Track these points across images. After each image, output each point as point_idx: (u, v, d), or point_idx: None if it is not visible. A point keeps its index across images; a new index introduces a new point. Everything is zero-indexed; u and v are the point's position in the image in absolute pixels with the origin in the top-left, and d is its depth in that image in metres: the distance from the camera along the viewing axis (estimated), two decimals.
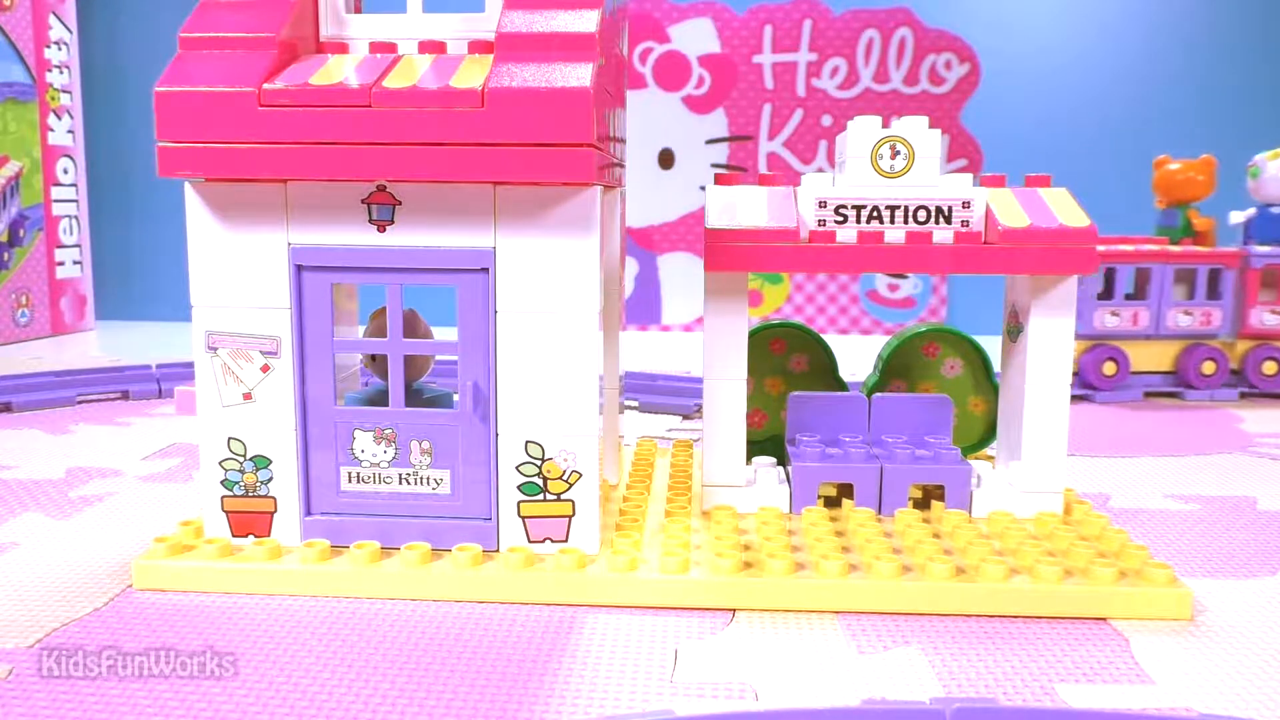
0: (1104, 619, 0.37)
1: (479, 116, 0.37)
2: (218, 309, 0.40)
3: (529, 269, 0.39)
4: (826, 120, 1.32)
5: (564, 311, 0.39)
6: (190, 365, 0.59)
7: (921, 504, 0.46)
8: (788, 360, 0.53)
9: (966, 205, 0.43)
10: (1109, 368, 0.83)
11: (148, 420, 0.73)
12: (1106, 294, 0.84)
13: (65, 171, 1.26)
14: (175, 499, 0.53)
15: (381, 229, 0.40)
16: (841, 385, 0.53)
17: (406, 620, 0.37)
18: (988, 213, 0.44)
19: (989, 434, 0.53)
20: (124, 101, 1.39)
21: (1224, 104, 1.31)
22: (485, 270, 0.39)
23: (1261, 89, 1.30)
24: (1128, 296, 0.85)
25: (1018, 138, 1.32)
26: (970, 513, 0.45)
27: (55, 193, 1.25)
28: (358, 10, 0.45)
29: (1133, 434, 0.71)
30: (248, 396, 0.41)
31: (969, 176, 0.44)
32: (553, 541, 0.40)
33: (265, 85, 0.38)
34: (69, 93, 1.26)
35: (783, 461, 0.50)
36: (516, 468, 0.40)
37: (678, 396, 0.80)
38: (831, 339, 0.87)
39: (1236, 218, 0.89)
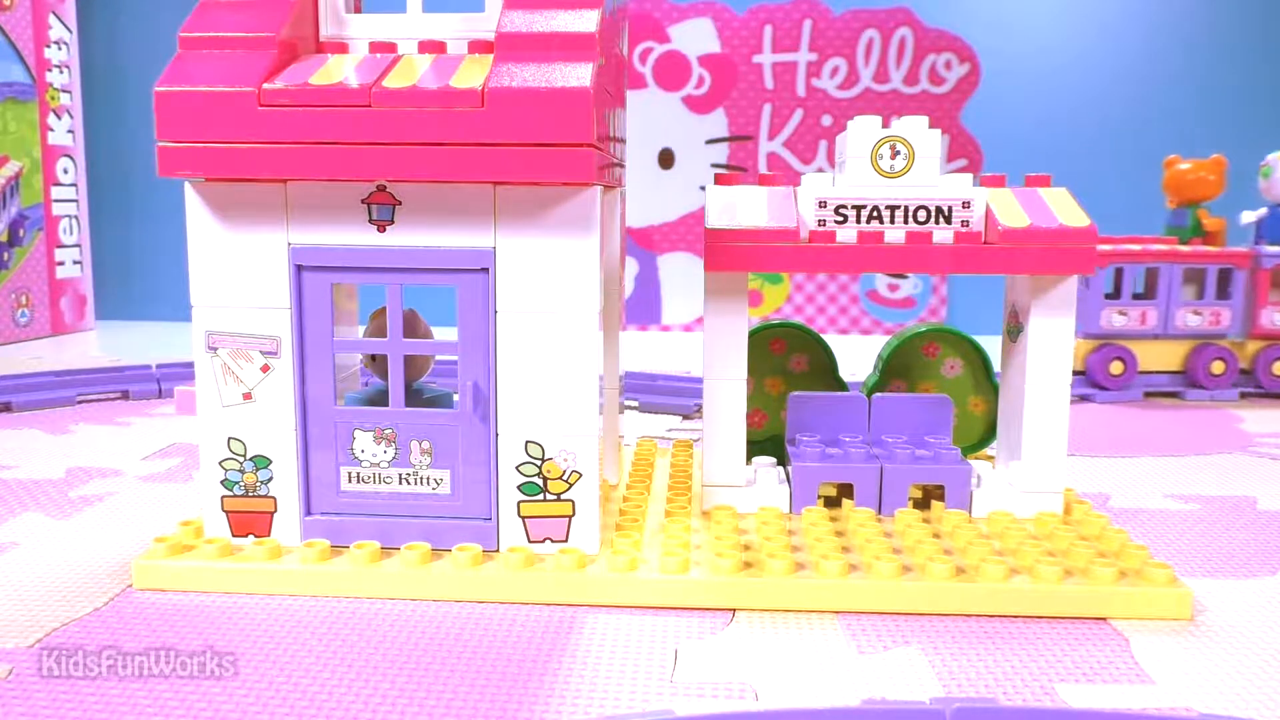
0: (1104, 619, 0.37)
1: (479, 116, 0.37)
2: (218, 309, 0.40)
3: (529, 269, 0.39)
4: (826, 120, 1.32)
5: (564, 311, 0.39)
6: (190, 365, 0.59)
7: (921, 504, 0.46)
8: (788, 360, 0.53)
9: (966, 205, 0.43)
10: (1116, 367, 0.83)
11: (148, 420, 0.73)
12: (1114, 293, 0.84)
13: (65, 171, 1.26)
14: (175, 499, 0.53)
15: (381, 229, 0.40)
16: (841, 385, 0.53)
17: (406, 620, 0.37)
18: (988, 213, 0.44)
19: (989, 434, 0.53)
20: (124, 101, 1.39)
21: (1224, 104, 1.31)
22: (485, 270, 0.39)
23: (1261, 89, 1.30)
24: (1136, 296, 0.85)
25: (1018, 138, 1.32)
26: (970, 513, 0.45)
27: (55, 193, 1.25)
28: (358, 10, 0.45)
29: (1133, 434, 0.71)
30: (248, 396, 0.41)
31: (969, 176, 0.44)
32: (553, 541, 0.40)
33: (265, 85, 0.38)
34: (69, 93, 1.26)
35: (783, 461, 0.50)
36: (516, 468, 0.40)
37: (678, 396, 0.80)
38: (831, 339, 0.87)
39: (1248, 217, 0.88)
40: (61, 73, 1.25)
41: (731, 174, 1.30)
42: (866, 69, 1.31)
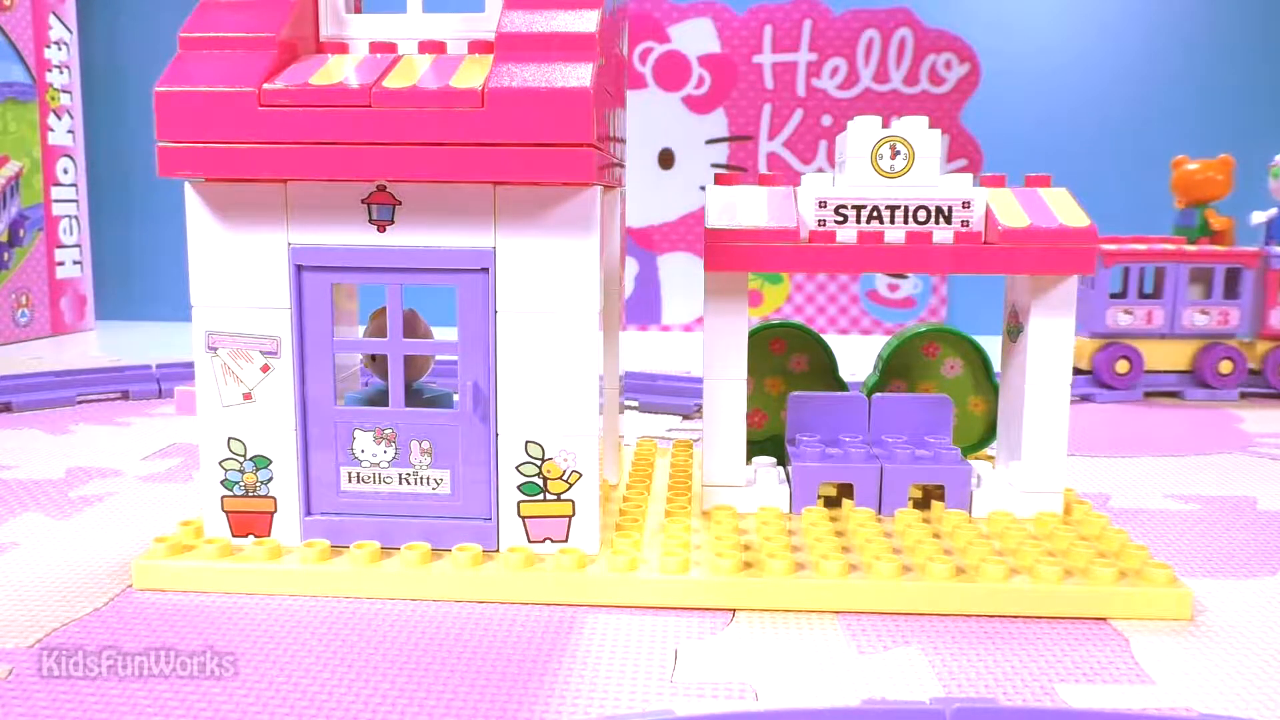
0: (1104, 619, 0.37)
1: (479, 116, 0.37)
2: (218, 309, 0.40)
3: (529, 269, 0.39)
4: (826, 120, 1.32)
5: (564, 311, 0.39)
6: (190, 365, 0.59)
7: (921, 504, 0.46)
8: (788, 360, 0.53)
9: (966, 205, 0.43)
10: (1122, 366, 0.83)
11: (148, 420, 0.73)
12: (1121, 293, 0.84)
13: (65, 171, 1.26)
14: (175, 499, 0.53)
15: (381, 229, 0.40)
16: (841, 385, 0.53)
17: (406, 620, 0.37)
18: (988, 213, 0.44)
19: (989, 434, 0.53)
20: (124, 101, 1.39)
21: (1224, 104, 1.31)
22: (485, 270, 0.39)
23: (1261, 89, 1.30)
24: (1146, 295, 0.85)
25: (1018, 138, 1.32)
26: (970, 513, 0.45)
27: (55, 193, 1.25)
28: (358, 10, 0.45)
29: (1133, 434, 0.71)
30: (248, 396, 0.41)
31: (969, 176, 0.44)
32: (553, 541, 0.40)
33: (265, 85, 0.38)
34: (69, 93, 1.26)
35: (783, 461, 0.50)
36: (516, 468, 0.40)
37: (678, 396, 0.80)
38: (831, 339, 0.87)
39: (1258, 218, 0.88)
40: (61, 73, 1.25)
41: (731, 174, 1.30)
42: (866, 69, 1.31)
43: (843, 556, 0.39)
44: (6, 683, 0.31)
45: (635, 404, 0.80)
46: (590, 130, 0.37)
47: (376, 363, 0.43)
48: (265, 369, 0.40)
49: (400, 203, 0.39)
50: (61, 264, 1.26)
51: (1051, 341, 0.44)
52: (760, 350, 0.52)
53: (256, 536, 0.41)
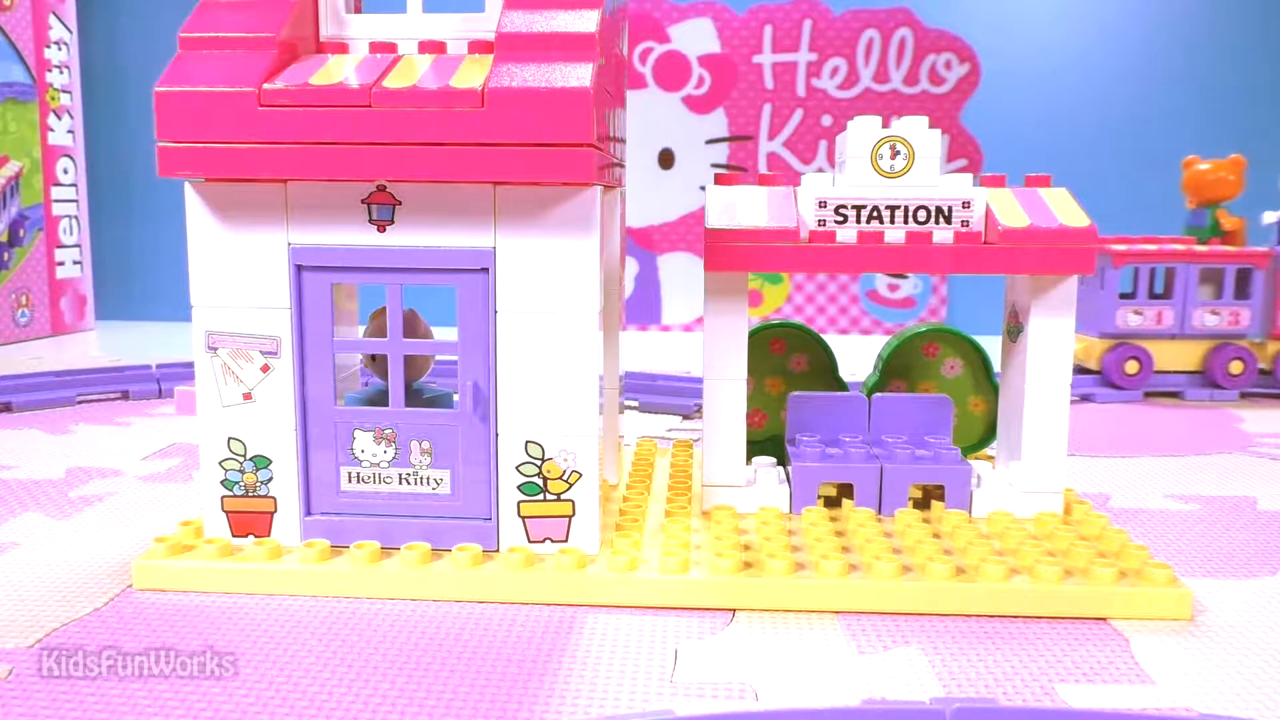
0: (1104, 619, 0.37)
1: (479, 116, 0.37)
2: (218, 309, 0.40)
3: (529, 269, 0.39)
4: (826, 120, 1.32)
5: (564, 311, 0.39)
6: (190, 365, 0.59)
7: (921, 504, 0.46)
8: (788, 360, 0.53)
9: (966, 205, 0.43)
10: (1131, 366, 0.84)
11: (148, 420, 0.73)
12: (1131, 293, 0.84)
13: (65, 171, 1.26)
14: (175, 499, 0.53)
15: (381, 229, 0.40)
16: (841, 385, 0.53)
17: (406, 620, 0.37)
18: (988, 213, 0.44)
19: (989, 434, 0.53)
20: (124, 101, 1.39)
21: (1224, 104, 1.31)
22: (485, 270, 0.39)
23: (1261, 89, 1.30)
24: (1156, 295, 0.85)
25: (1018, 138, 1.32)
26: (970, 513, 0.45)
27: (55, 193, 1.25)
28: (358, 10, 0.45)
29: (1133, 434, 0.71)
30: (248, 396, 0.41)
31: (969, 176, 0.44)
32: (553, 541, 0.40)
33: (265, 85, 0.38)
34: (69, 93, 1.26)
35: (783, 461, 0.50)
36: (516, 468, 0.40)
37: (678, 396, 0.80)
38: (831, 339, 0.87)
39: (1270, 218, 0.88)
40: (61, 73, 1.25)
41: (731, 174, 1.30)
42: (866, 69, 1.31)
43: (843, 556, 0.39)
44: (6, 683, 0.31)
45: (635, 404, 0.80)
46: (590, 130, 0.37)
47: (376, 363, 0.43)
48: (265, 369, 0.40)
49: (400, 203, 0.39)
50: (61, 264, 1.26)
51: (1051, 341, 0.44)
52: (760, 350, 0.52)
53: (256, 536, 0.41)
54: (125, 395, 0.82)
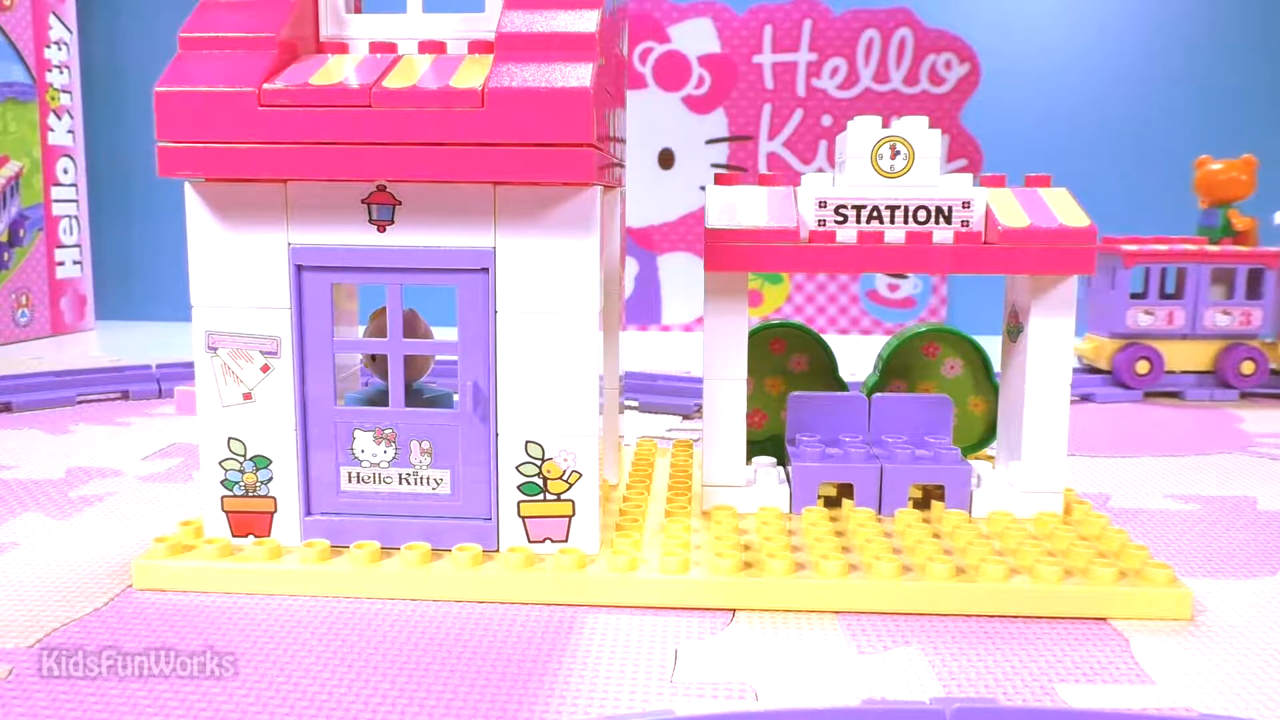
0: (1104, 619, 0.37)
1: (479, 116, 0.37)
2: (218, 309, 0.40)
3: (529, 269, 0.39)
4: (826, 120, 1.32)
5: (564, 311, 0.39)
6: (190, 365, 0.59)
7: (921, 504, 0.46)
8: (788, 360, 0.53)
9: (966, 205, 0.43)
10: (1142, 366, 0.84)
11: (148, 420, 0.73)
12: (1142, 293, 0.84)
13: (65, 171, 1.26)
14: (175, 499, 0.53)
15: (381, 229, 0.40)
16: (841, 385, 0.53)
17: (406, 620, 0.37)
18: (988, 213, 0.44)
19: (989, 434, 0.53)
20: (124, 101, 1.39)
21: (1224, 104, 1.31)
22: (485, 270, 0.39)
23: (1261, 89, 1.30)
24: (1168, 295, 0.85)
25: (1018, 138, 1.32)
26: (970, 513, 0.45)
27: (55, 193, 1.25)
28: (358, 10, 0.45)
29: (1133, 434, 0.71)
30: (248, 396, 0.41)
31: (969, 176, 0.44)
32: (553, 541, 0.40)
33: (265, 85, 0.38)
34: (69, 93, 1.26)
35: (783, 461, 0.50)
36: (516, 468, 0.40)
37: (678, 396, 0.80)
38: (831, 339, 0.87)
39: None
40: (61, 73, 1.25)
41: (731, 174, 1.30)
42: (866, 69, 1.31)
43: (843, 556, 0.39)
44: (6, 683, 0.31)
45: (635, 404, 0.80)
46: (590, 130, 0.37)
47: (376, 363, 0.43)
48: (265, 369, 0.40)
49: (400, 203, 0.39)
50: (61, 264, 1.27)
51: (1051, 341, 0.44)
52: (760, 350, 0.52)
53: (256, 536, 0.41)
54: (125, 395, 0.82)
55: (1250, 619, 0.37)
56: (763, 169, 1.33)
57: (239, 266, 0.40)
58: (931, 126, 0.44)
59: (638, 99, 1.32)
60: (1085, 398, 0.84)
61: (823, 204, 0.43)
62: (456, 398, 0.41)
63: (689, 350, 1.15)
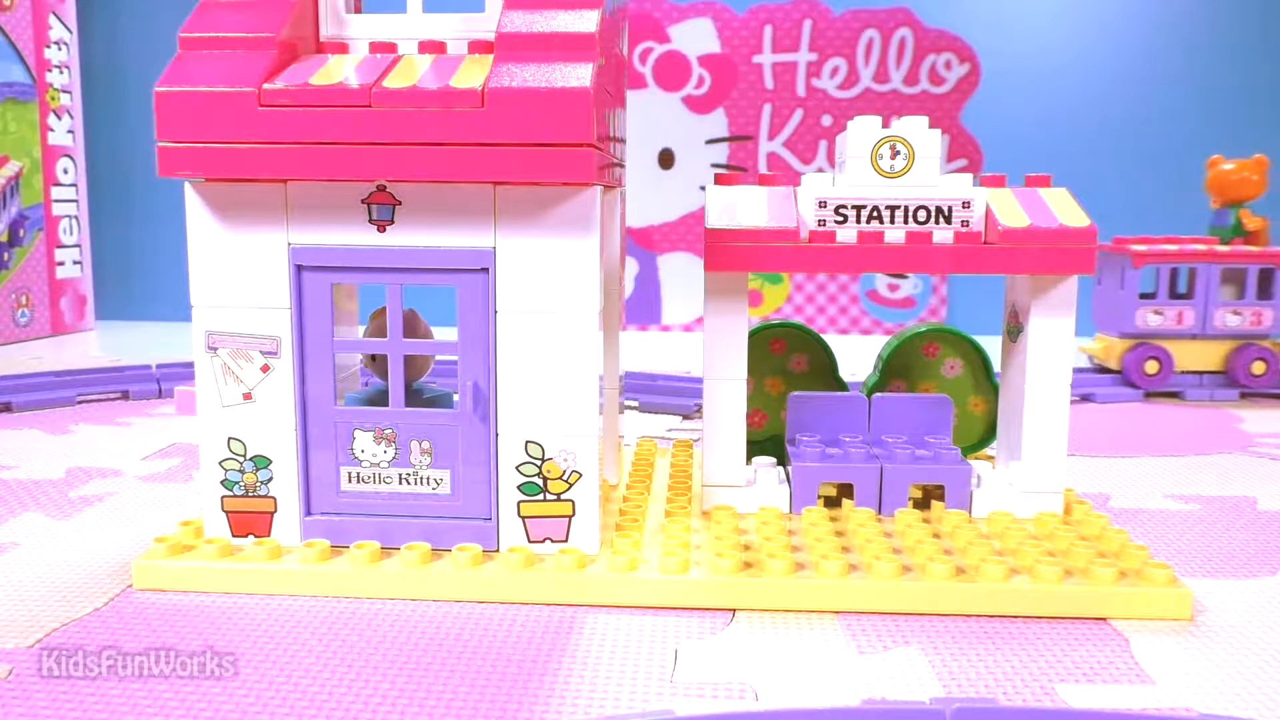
0: (1104, 619, 0.37)
1: (479, 116, 0.37)
2: (218, 309, 0.40)
3: (529, 269, 0.39)
4: (826, 120, 1.32)
5: (564, 311, 0.39)
6: (190, 365, 0.59)
7: (921, 504, 0.46)
8: (788, 360, 0.53)
9: (966, 205, 0.43)
10: (1151, 366, 0.84)
11: (148, 420, 0.73)
12: (1151, 293, 0.84)
13: (65, 171, 1.26)
14: (175, 499, 0.53)
15: (381, 229, 0.40)
16: (841, 385, 0.53)
17: (406, 620, 0.37)
18: (988, 213, 0.44)
19: (989, 434, 0.53)
20: (124, 101, 1.39)
21: (1224, 104, 1.31)
22: (485, 270, 0.39)
23: (1261, 89, 1.30)
24: (1180, 295, 0.85)
25: (1018, 138, 1.32)
26: (970, 513, 0.45)
27: (55, 193, 1.25)
28: (358, 10, 0.45)
29: (1133, 434, 0.71)
30: (248, 396, 0.41)
31: (969, 176, 0.44)
32: (553, 541, 0.40)
33: (265, 85, 0.38)
34: (69, 93, 1.26)
35: (783, 461, 0.50)
36: (516, 468, 0.40)
37: (678, 396, 0.80)
38: (831, 339, 0.87)
39: None
40: (61, 73, 1.25)
41: (731, 174, 1.30)
42: (866, 69, 1.31)
43: (843, 556, 0.39)
44: (6, 683, 0.31)
45: (635, 404, 0.80)
46: (590, 130, 0.37)
47: (376, 363, 0.43)
48: (265, 369, 0.40)
49: (400, 203, 0.39)
50: (61, 264, 1.26)
51: (1051, 341, 0.44)
52: (760, 350, 0.52)
53: (256, 536, 0.41)
54: (125, 395, 0.82)
55: (1250, 619, 0.37)
56: (763, 169, 1.33)
57: (239, 266, 0.40)
58: (931, 126, 0.44)
59: (638, 99, 1.32)
60: (1085, 398, 0.84)
61: (823, 204, 0.43)
62: (456, 398, 0.41)
63: (689, 350, 1.15)
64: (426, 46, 0.42)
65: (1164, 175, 1.29)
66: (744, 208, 0.45)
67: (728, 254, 0.43)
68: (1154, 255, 0.83)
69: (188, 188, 0.40)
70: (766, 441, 0.53)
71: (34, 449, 0.63)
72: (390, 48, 0.42)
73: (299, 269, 0.40)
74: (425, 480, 0.41)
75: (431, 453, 0.41)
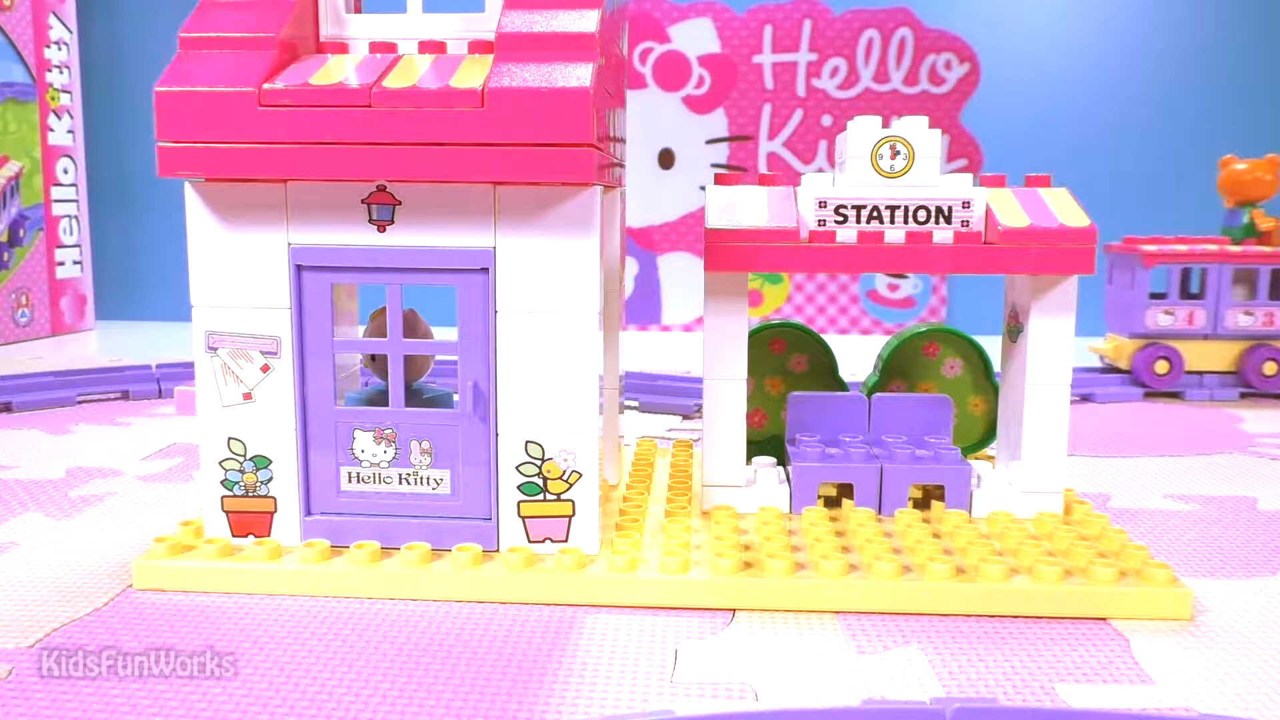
0: (1104, 619, 0.37)
1: (479, 116, 0.37)
2: (218, 309, 0.40)
3: (529, 269, 0.39)
4: (826, 120, 1.32)
5: (564, 311, 0.39)
6: (190, 365, 0.59)
7: (921, 504, 0.46)
8: (788, 360, 0.53)
9: (966, 205, 0.43)
10: (1161, 366, 0.84)
11: (148, 420, 0.73)
12: (1162, 293, 0.84)
13: (65, 171, 1.26)
14: (175, 499, 0.53)
15: (381, 229, 0.40)
16: (841, 385, 0.53)
17: (406, 620, 0.37)
18: (988, 213, 0.44)
19: (989, 434, 0.53)
20: (124, 101, 1.39)
21: (1224, 104, 1.31)
22: (485, 270, 0.39)
23: (1262, 89, 1.30)
24: (1192, 295, 0.85)
25: (1018, 138, 1.32)
26: (970, 513, 0.45)
27: (55, 193, 1.25)
28: (358, 10, 0.45)
29: (1133, 434, 0.71)
30: (248, 396, 0.41)
31: (969, 176, 0.44)
32: (553, 541, 0.40)
33: (265, 85, 0.38)
34: (69, 93, 1.26)
35: (783, 461, 0.50)
36: (516, 468, 0.40)
37: (678, 396, 0.80)
38: (831, 339, 0.87)
39: None
40: (61, 73, 1.25)
41: (731, 174, 1.30)
42: (866, 69, 1.31)
43: (843, 556, 0.39)
44: (6, 683, 0.31)
45: (635, 404, 0.80)
46: (590, 130, 0.37)
47: (376, 363, 0.43)
48: (265, 369, 0.40)
49: (400, 203, 0.39)
50: (61, 264, 1.26)
51: (1051, 341, 0.44)
52: (760, 350, 0.52)
53: (256, 536, 0.41)
54: (125, 395, 0.82)
55: (1250, 619, 0.37)
56: (763, 169, 1.33)
57: (239, 266, 0.40)
58: (931, 126, 0.44)
59: (638, 99, 1.32)
60: (1085, 398, 0.84)
61: (823, 204, 0.43)
62: (456, 398, 0.41)
63: (689, 350, 1.15)
64: (426, 46, 0.42)
65: (1165, 175, 1.29)
66: (744, 208, 0.45)
67: (728, 254, 0.43)
68: (1165, 255, 0.83)
69: (188, 188, 0.40)
70: (766, 441, 0.53)
71: (34, 449, 0.63)
72: (390, 48, 0.42)
73: (299, 269, 0.40)
74: (425, 480, 0.41)
75: (431, 453, 0.41)
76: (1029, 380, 0.45)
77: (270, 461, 0.41)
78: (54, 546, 0.44)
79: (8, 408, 0.76)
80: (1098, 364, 0.92)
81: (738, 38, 1.32)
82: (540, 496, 0.40)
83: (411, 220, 0.39)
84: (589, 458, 0.40)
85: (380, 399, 0.42)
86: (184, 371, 0.83)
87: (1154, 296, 0.84)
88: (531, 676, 0.32)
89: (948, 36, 1.29)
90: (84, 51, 1.32)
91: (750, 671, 0.33)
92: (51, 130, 1.24)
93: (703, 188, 1.31)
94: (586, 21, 0.39)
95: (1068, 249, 0.43)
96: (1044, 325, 0.44)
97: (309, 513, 0.41)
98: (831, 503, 0.46)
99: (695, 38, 1.32)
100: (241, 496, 0.41)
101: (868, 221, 0.43)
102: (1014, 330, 0.46)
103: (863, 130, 0.44)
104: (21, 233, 1.20)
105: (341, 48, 0.43)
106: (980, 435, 0.54)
